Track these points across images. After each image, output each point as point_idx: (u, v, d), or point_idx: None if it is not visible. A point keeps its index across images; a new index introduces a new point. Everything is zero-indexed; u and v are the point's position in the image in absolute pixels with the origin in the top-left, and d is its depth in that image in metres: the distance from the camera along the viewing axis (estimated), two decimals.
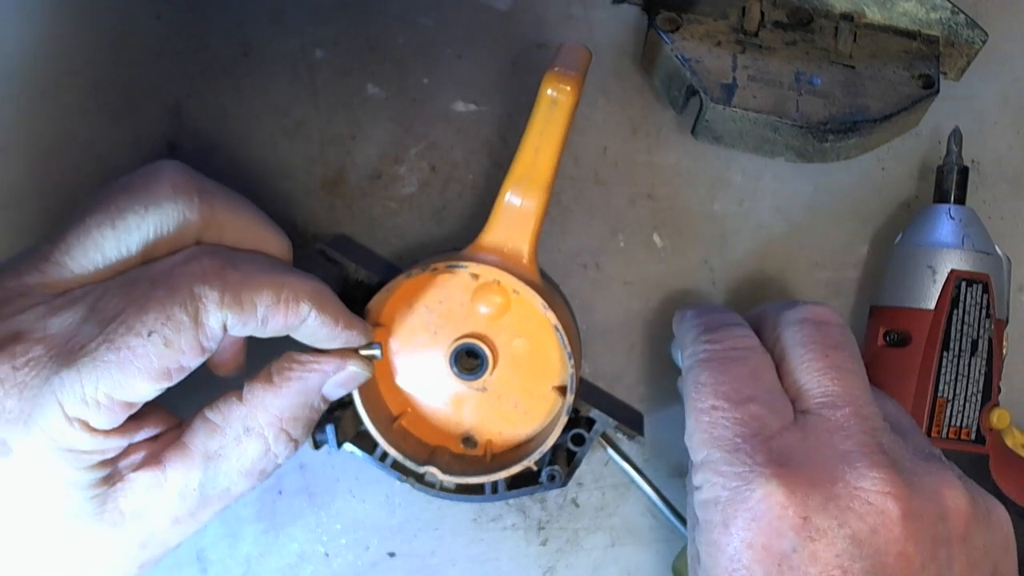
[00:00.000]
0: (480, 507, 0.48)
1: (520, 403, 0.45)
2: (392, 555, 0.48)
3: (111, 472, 0.35)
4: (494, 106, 0.49)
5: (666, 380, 0.49)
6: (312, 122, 0.47)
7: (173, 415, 0.38)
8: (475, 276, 0.43)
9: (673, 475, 0.49)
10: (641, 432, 0.46)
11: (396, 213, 0.48)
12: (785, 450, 0.34)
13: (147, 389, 0.34)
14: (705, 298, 0.50)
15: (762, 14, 0.47)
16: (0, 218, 0.45)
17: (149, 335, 0.33)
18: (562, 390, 0.43)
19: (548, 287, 0.44)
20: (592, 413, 0.44)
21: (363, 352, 0.39)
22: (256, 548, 0.47)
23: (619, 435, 0.46)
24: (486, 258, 0.42)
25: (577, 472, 0.49)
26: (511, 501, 0.48)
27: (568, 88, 0.39)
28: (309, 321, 0.37)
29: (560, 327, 0.41)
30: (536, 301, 0.41)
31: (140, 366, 0.33)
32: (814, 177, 0.50)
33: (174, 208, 0.37)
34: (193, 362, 0.34)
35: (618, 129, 0.49)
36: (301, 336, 0.38)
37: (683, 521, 0.47)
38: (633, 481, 0.48)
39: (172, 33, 0.47)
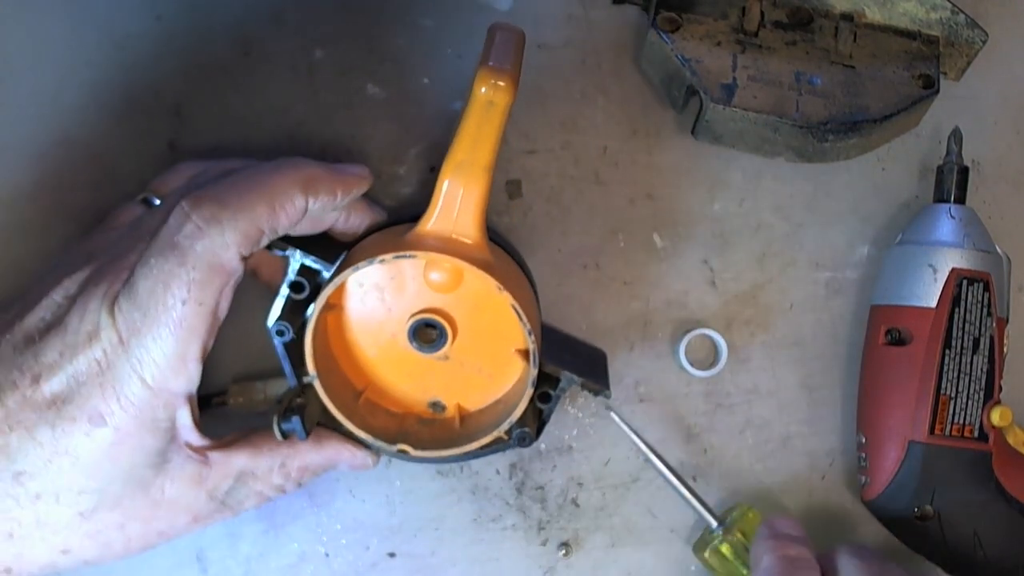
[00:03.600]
0: (480, 507, 0.48)
1: (484, 368, 0.44)
2: (392, 555, 0.48)
3: (170, 448, 0.38)
4: None
5: (666, 380, 0.49)
6: (312, 122, 0.47)
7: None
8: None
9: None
10: (606, 385, 0.45)
11: (396, 213, 0.48)
12: None
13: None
14: (704, 298, 0.50)
15: (762, 14, 0.47)
16: (0, 218, 0.45)
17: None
18: (525, 354, 0.42)
19: (500, 261, 0.43)
20: (553, 369, 0.43)
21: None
22: (256, 548, 0.47)
23: (585, 391, 0.45)
24: (433, 244, 0.40)
25: (577, 472, 0.49)
26: (511, 501, 0.48)
27: (503, 86, 0.37)
28: (312, 209, 0.39)
29: (518, 307, 0.40)
30: (490, 283, 0.40)
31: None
32: (814, 177, 0.50)
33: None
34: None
35: (618, 129, 0.49)
36: (314, 215, 0.40)
37: (704, 504, 0.47)
38: (647, 459, 0.47)
39: (172, 33, 0.47)
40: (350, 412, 0.43)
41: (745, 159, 0.50)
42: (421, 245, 0.40)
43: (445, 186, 0.40)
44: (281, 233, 0.38)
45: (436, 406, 0.45)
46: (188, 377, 0.37)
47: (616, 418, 0.47)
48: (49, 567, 0.38)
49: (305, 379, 0.42)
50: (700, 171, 0.50)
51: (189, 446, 0.39)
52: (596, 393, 0.45)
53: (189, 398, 0.37)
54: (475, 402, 0.45)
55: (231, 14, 0.47)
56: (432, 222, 0.40)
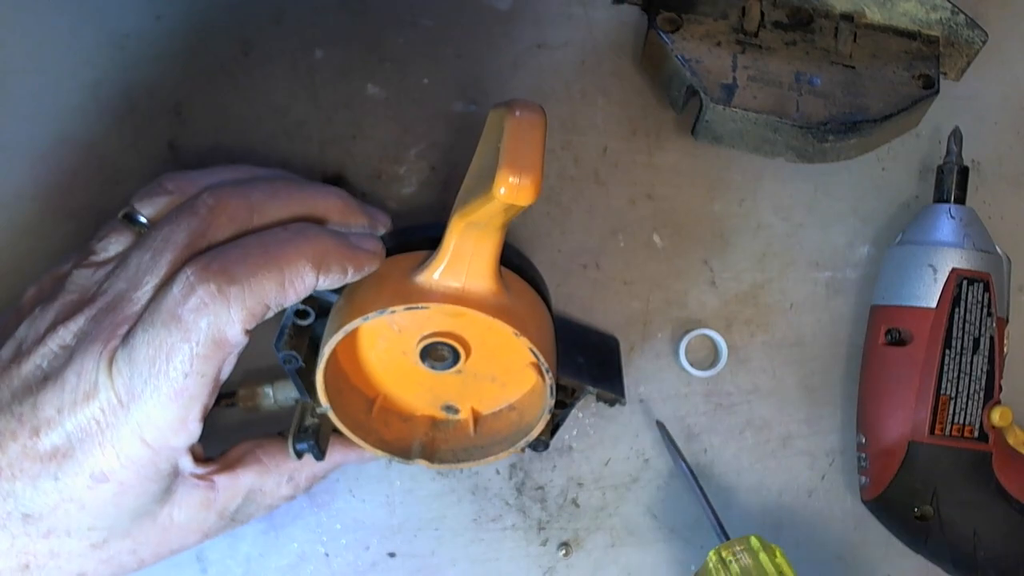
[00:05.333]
0: (480, 507, 0.48)
1: (498, 377, 0.44)
2: (392, 555, 0.48)
3: (175, 481, 0.38)
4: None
5: (666, 380, 0.49)
6: (312, 122, 0.47)
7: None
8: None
9: (673, 475, 0.49)
10: (621, 392, 0.45)
11: (396, 213, 0.48)
12: None
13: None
14: (704, 298, 0.50)
15: (762, 14, 0.47)
16: (0, 218, 0.45)
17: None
18: (540, 370, 0.41)
19: (514, 294, 0.41)
20: (569, 381, 0.43)
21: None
22: (256, 548, 0.47)
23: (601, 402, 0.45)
24: (444, 294, 0.39)
25: (577, 472, 0.49)
26: (511, 501, 0.48)
27: (526, 190, 0.34)
28: (320, 284, 0.37)
29: (536, 350, 0.39)
30: (507, 330, 0.39)
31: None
32: (814, 177, 0.50)
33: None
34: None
35: (618, 129, 0.49)
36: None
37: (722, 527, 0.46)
38: (682, 472, 0.48)
39: (172, 33, 0.47)
40: (365, 430, 0.43)
41: (745, 159, 0.50)
42: (432, 295, 0.38)
43: (455, 240, 0.38)
44: (287, 306, 0.37)
45: (449, 409, 0.45)
46: (189, 434, 0.36)
47: (663, 435, 0.48)
48: None
49: (319, 410, 0.41)
50: (700, 171, 0.50)
51: (194, 475, 0.39)
52: (611, 403, 0.45)
53: (191, 448, 0.37)
54: (488, 406, 0.45)
55: (231, 14, 0.47)
56: (441, 271, 0.38)
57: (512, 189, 0.33)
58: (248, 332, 0.36)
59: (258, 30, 0.47)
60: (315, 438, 0.41)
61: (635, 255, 0.49)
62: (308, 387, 0.41)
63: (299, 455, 0.41)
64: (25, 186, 0.46)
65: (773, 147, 0.47)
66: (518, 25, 0.49)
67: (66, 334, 0.36)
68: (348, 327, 0.38)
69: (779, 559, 0.43)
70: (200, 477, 0.39)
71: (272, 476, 0.41)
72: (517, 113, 0.35)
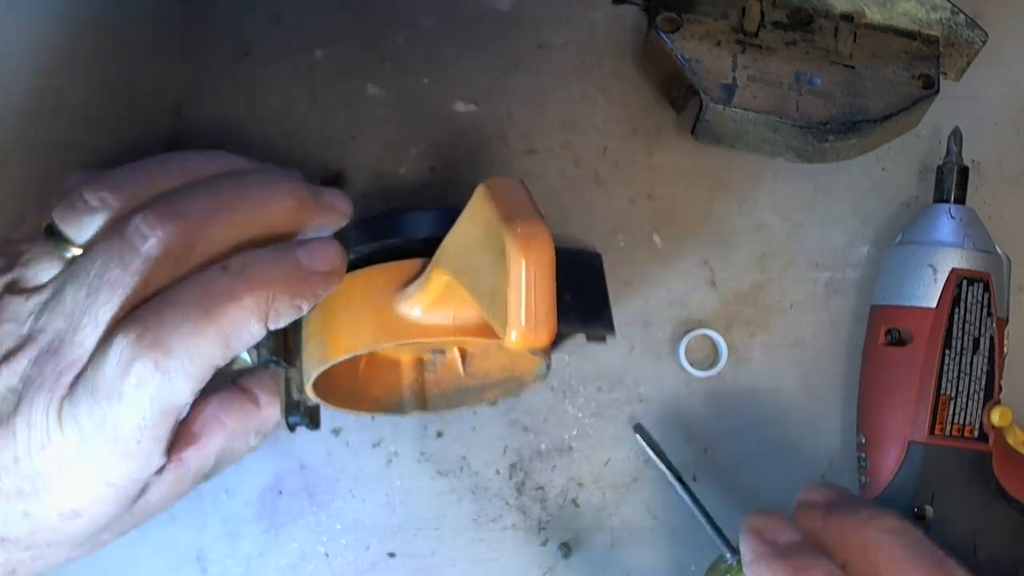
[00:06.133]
0: (480, 507, 0.48)
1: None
2: (392, 555, 0.48)
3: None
4: (494, 106, 0.49)
5: (666, 380, 0.49)
6: (312, 122, 0.47)
7: None
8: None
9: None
10: (611, 325, 0.42)
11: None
12: None
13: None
14: (704, 298, 0.50)
15: (762, 14, 0.47)
16: (0, 219, 0.45)
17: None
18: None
19: None
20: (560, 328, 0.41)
21: None
22: (256, 548, 0.47)
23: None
24: (434, 327, 0.37)
25: (577, 472, 0.49)
26: (511, 501, 0.48)
27: (541, 341, 0.31)
28: (270, 327, 0.35)
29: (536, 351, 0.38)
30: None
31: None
32: (814, 177, 0.50)
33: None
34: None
35: (618, 129, 0.49)
36: None
37: (722, 535, 0.45)
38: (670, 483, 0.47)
39: (172, 33, 0.47)
40: (356, 398, 0.42)
41: (745, 159, 0.50)
42: (421, 330, 0.36)
43: (440, 290, 0.35)
44: (238, 355, 0.35)
45: (435, 350, 0.44)
46: (154, 468, 0.35)
47: (640, 441, 0.47)
48: (52, 569, 0.38)
49: (310, 403, 0.40)
50: (700, 171, 0.50)
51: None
52: (600, 340, 0.42)
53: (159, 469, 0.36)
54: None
55: (231, 14, 0.47)
56: (428, 307, 0.36)
57: (525, 338, 0.31)
58: (198, 391, 0.34)
59: (258, 30, 0.47)
60: (308, 412, 0.40)
61: (635, 255, 0.49)
62: (288, 356, 0.39)
63: (292, 428, 0.40)
64: (25, 186, 0.46)
65: (773, 147, 0.47)
66: (518, 25, 0.49)
67: (11, 376, 0.34)
68: (332, 362, 0.37)
69: None
70: (170, 459, 0.37)
71: (239, 437, 0.40)
72: (521, 238, 0.30)
